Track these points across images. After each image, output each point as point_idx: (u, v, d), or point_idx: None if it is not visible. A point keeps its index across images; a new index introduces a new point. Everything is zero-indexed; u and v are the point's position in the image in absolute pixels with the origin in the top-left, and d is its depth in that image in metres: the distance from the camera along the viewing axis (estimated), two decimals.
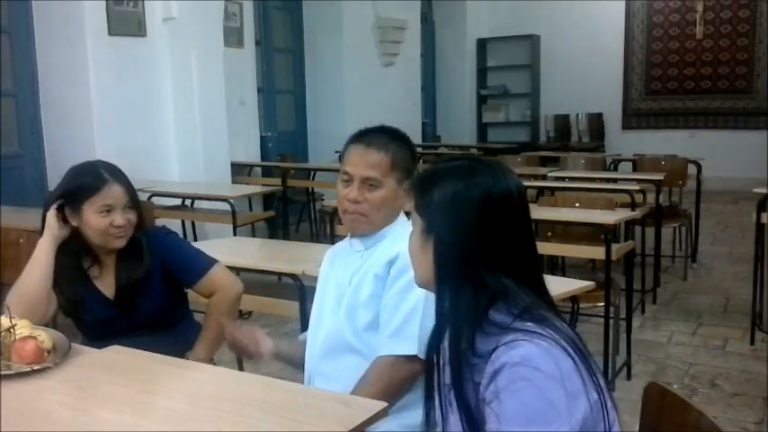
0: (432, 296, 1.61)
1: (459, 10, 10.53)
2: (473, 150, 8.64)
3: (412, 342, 1.72)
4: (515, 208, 1.27)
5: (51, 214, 2.11)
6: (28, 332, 1.67)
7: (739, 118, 9.76)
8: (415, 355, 1.71)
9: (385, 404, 1.37)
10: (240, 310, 3.05)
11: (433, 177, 1.30)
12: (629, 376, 3.64)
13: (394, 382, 1.72)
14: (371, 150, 1.81)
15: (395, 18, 8.60)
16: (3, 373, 1.54)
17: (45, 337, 1.67)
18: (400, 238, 1.75)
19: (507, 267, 1.24)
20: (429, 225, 1.28)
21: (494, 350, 1.16)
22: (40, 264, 2.09)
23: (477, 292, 1.23)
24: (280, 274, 2.91)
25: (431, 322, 1.60)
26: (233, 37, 6.66)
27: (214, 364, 2.28)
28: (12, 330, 1.65)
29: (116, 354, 1.69)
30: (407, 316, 1.74)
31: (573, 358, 1.15)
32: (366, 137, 1.85)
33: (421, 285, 1.36)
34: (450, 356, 1.25)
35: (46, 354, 1.63)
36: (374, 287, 1.80)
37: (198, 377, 1.59)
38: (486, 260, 1.23)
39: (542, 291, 1.29)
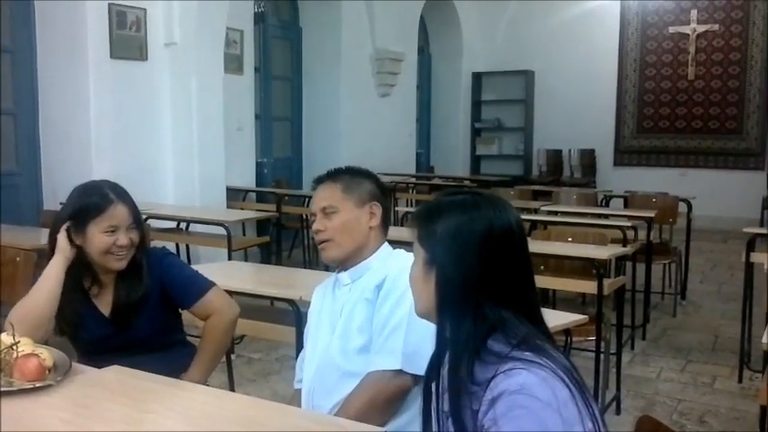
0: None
1: (455, 44, 10.69)
2: (466, 182, 8.73)
3: (395, 357, 1.78)
4: (516, 242, 1.31)
5: (63, 236, 2.13)
6: (30, 350, 1.69)
7: (729, 158, 9.90)
8: (401, 370, 1.77)
9: (382, 430, 1.39)
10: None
11: (437, 210, 1.34)
12: (618, 411, 3.65)
13: (379, 396, 1.78)
14: (321, 186, 1.98)
15: (392, 50, 8.72)
16: (5, 389, 1.55)
17: (47, 355, 1.69)
18: (386, 264, 1.90)
19: (507, 299, 1.28)
20: (432, 257, 1.32)
21: (492, 378, 1.19)
22: (50, 284, 2.10)
23: (477, 323, 1.26)
24: (277, 300, 2.93)
25: (414, 337, 1.71)
26: (233, 63, 6.73)
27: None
28: (14, 348, 1.67)
29: (116, 373, 1.71)
30: (391, 332, 1.81)
31: (569, 388, 1.18)
32: (318, 179, 2.01)
33: (421, 315, 1.39)
34: (448, 384, 1.28)
35: (47, 372, 1.65)
36: (366, 312, 1.87)
37: (199, 398, 1.61)
38: (486, 292, 1.27)
39: (539, 322, 1.32)
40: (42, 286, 2.10)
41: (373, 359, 1.81)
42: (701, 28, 9.83)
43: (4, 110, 5.36)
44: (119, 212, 2.15)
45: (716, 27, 9.77)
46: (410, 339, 1.76)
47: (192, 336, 2.45)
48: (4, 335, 1.75)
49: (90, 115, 5.34)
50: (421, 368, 1.72)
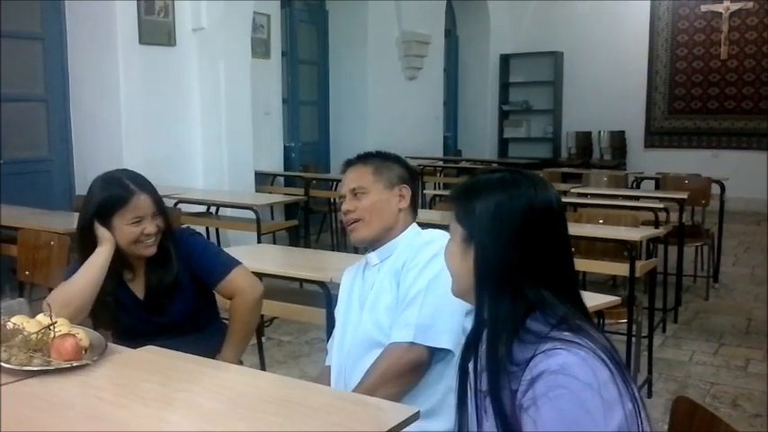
0: (433, 288, 1.72)
1: (482, 26, 10.58)
2: (494, 165, 8.67)
3: (409, 329, 1.78)
4: (555, 220, 1.29)
5: (103, 229, 2.15)
6: (66, 330, 1.71)
7: (763, 139, 9.69)
8: (413, 342, 1.77)
9: (416, 409, 1.39)
10: (263, 316, 3.08)
11: (475, 188, 1.32)
12: (649, 394, 3.62)
13: (391, 368, 1.78)
14: (352, 167, 2.01)
15: (419, 32, 8.66)
16: (43, 368, 1.58)
17: (83, 335, 1.71)
18: (413, 243, 1.91)
19: (546, 278, 1.26)
20: (470, 235, 1.30)
21: (531, 358, 1.18)
22: (96, 272, 2.12)
23: (516, 302, 1.24)
24: (307, 281, 2.94)
25: (429, 310, 1.74)
26: (260, 48, 6.74)
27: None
28: (51, 328, 1.69)
29: (151, 353, 1.73)
30: (408, 305, 1.82)
31: (609, 368, 1.16)
32: (348, 161, 2.03)
33: (458, 295, 1.38)
34: (487, 364, 1.26)
35: (84, 351, 1.67)
36: (394, 290, 1.88)
37: (233, 378, 1.62)
38: (525, 271, 1.25)
39: (578, 302, 1.30)
40: (88, 274, 2.12)
41: (392, 332, 1.83)
42: (735, 6, 9.62)
43: (35, 96, 5.42)
44: (142, 202, 2.16)
45: (749, 5, 9.55)
46: (424, 312, 1.77)
47: (224, 318, 2.47)
48: (41, 315, 1.78)
49: (120, 100, 5.38)
50: (435, 341, 1.74)
